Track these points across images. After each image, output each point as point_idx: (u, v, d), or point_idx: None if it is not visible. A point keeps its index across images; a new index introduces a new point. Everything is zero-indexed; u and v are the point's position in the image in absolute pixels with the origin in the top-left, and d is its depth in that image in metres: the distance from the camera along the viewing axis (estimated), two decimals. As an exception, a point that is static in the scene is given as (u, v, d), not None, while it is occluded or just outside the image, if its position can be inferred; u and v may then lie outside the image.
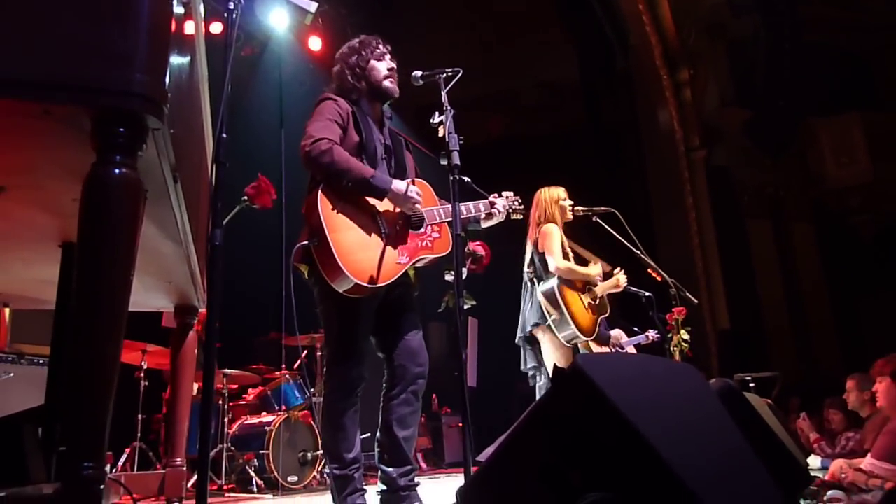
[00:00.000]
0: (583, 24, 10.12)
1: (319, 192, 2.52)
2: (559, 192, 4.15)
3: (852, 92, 11.12)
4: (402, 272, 2.63)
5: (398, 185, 2.63)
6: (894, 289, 10.36)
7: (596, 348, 4.78)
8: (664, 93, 10.30)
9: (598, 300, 4.04)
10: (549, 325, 3.87)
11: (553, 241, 3.95)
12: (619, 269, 4.22)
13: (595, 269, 4.01)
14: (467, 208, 2.90)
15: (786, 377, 6.89)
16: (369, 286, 2.51)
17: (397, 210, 2.70)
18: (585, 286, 4.03)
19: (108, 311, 1.30)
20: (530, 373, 4.12)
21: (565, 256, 3.98)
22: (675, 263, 8.07)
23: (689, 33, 10.61)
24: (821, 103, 10.85)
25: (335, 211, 2.52)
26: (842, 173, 10.93)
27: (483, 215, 2.96)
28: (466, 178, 2.63)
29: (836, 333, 10.45)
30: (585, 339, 3.85)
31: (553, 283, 3.88)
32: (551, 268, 3.89)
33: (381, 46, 2.86)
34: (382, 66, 2.82)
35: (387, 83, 2.82)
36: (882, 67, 11.69)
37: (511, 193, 3.11)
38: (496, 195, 3.03)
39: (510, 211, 3.06)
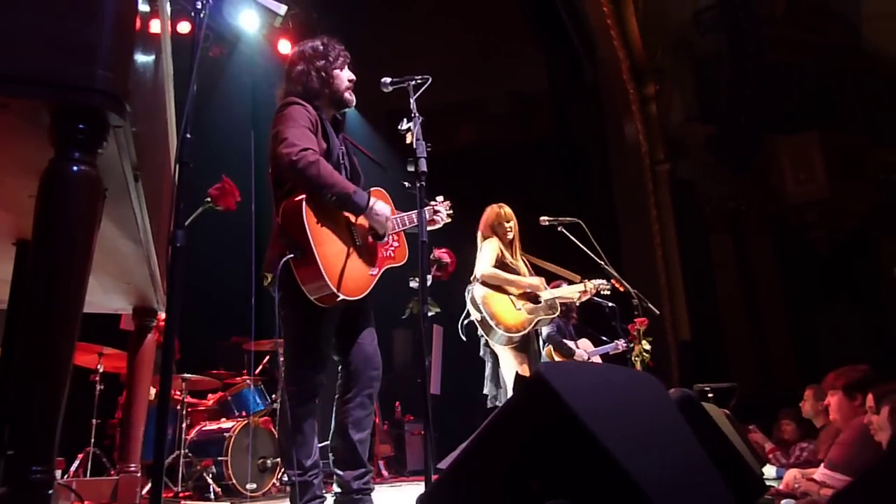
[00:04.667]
0: (552, 37, 10.24)
1: (304, 204, 2.51)
2: (497, 209, 4.17)
3: (812, 111, 11.46)
4: (374, 283, 2.67)
5: (380, 207, 2.65)
6: (849, 302, 10.66)
7: (559, 359, 4.82)
8: (631, 106, 10.45)
9: (541, 301, 4.06)
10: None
11: (483, 252, 4.05)
12: (587, 281, 4.27)
13: (534, 280, 4.05)
14: (410, 218, 2.85)
15: (743, 388, 7.03)
16: (347, 298, 2.53)
17: (366, 222, 2.72)
18: (524, 293, 4.07)
19: (61, 311, 1.27)
20: (488, 399, 4.18)
21: (504, 268, 4.02)
22: (638, 274, 8.18)
23: (656, 49, 10.81)
24: (781, 121, 11.15)
25: (319, 224, 2.53)
26: (800, 189, 11.23)
27: (427, 220, 2.97)
28: (406, 183, 2.63)
29: (792, 345, 10.70)
30: (516, 335, 3.88)
31: (475, 287, 3.96)
32: (477, 273, 3.98)
33: (343, 55, 2.85)
34: (345, 77, 2.83)
35: (347, 94, 2.84)
36: (840, 88, 12.07)
37: (442, 198, 3.08)
38: (434, 202, 3.02)
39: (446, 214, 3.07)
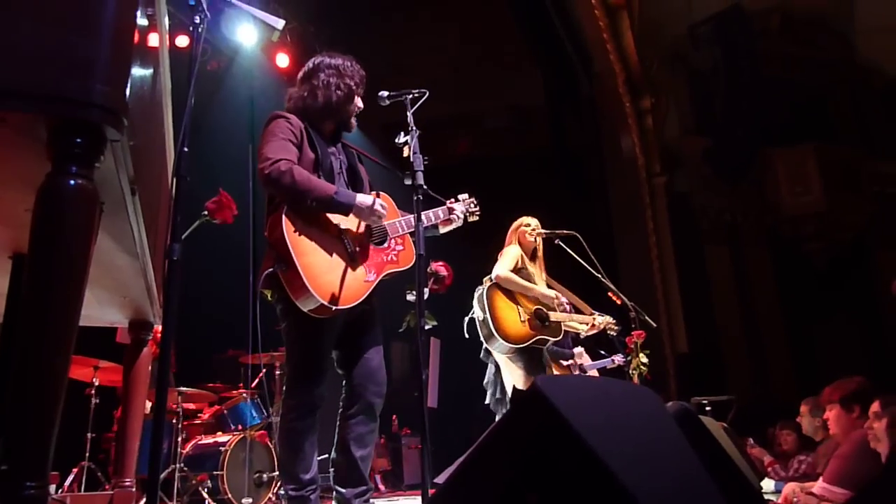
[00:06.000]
0: (548, 50, 10.30)
1: (283, 216, 2.48)
2: (522, 219, 4.27)
3: (807, 124, 11.53)
4: (370, 290, 2.62)
5: (362, 199, 2.61)
6: (846, 314, 10.67)
7: (557, 370, 4.79)
8: (627, 119, 10.50)
9: (548, 322, 4.05)
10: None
11: (504, 256, 4.08)
12: (597, 315, 4.26)
13: (549, 291, 4.05)
14: (427, 216, 2.88)
15: (741, 401, 7.01)
16: (340, 308, 2.49)
17: (361, 227, 2.69)
18: (535, 304, 4.06)
19: (57, 325, 1.26)
20: (491, 406, 4.18)
21: (520, 274, 4.05)
22: (635, 287, 8.17)
23: (652, 63, 10.88)
24: (777, 134, 11.21)
25: (300, 233, 2.49)
26: (796, 202, 11.27)
27: (441, 221, 2.97)
28: (423, 185, 2.63)
29: (790, 357, 10.69)
30: (512, 345, 3.88)
31: (487, 287, 3.97)
32: (493, 274, 3.99)
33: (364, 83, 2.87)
34: (359, 104, 2.84)
35: (354, 120, 2.86)
36: (835, 101, 12.16)
37: (466, 196, 3.11)
38: (453, 200, 3.04)
39: (467, 214, 3.08)
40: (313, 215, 2.56)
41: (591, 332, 4.32)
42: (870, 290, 10.80)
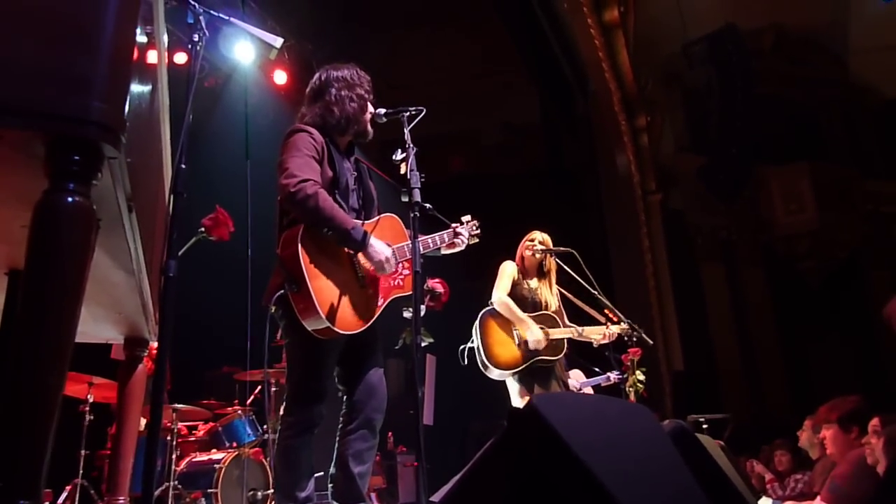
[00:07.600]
0: (544, 69, 10.38)
1: (300, 236, 2.49)
2: (531, 233, 4.26)
3: (800, 142, 11.61)
4: (376, 316, 2.65)
5: (374, 248, 2.60)
6: (840, 333, 10.68)
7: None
8: (622, 137, 10.56)
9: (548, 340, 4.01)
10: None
11: (500, 276, 4.07)
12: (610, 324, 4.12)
13: (538, 334, 3.91)
14: (433, 240, 2.91)
15: (737, 419, 6.99)
16: (346, 332, 2.51)
17: None
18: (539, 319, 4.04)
19: (52, 341, 1.26)
20: None
21: (518, 293, 4.04)
22: (630, 304, 8.17)
23: (647, 82, 10.96)
24: (771, 152, 11.28)
25: (314, 255, 2.51)
26: (790, 220, 11.32)
27: (446, 244, 2.99)
28: (428, 206, 2.65)
29: (784, 375, 10.68)
30: (508, 371, 3.85)
31: (483, 312, 3.98)
32: (492, 299, 3.99)
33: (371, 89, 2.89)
34: (372, 110, 2.85)
35: (370, 127, 2.86)
36: (829, 120, 12.25)
37: (469, 217, 3.13)
38: (457, 224, 3.06)
39: (469, 237, 3.09)
40: (329, 239, 2.58)
41: (603, 342, 4.21)
42: (863, 308, 10.83)
